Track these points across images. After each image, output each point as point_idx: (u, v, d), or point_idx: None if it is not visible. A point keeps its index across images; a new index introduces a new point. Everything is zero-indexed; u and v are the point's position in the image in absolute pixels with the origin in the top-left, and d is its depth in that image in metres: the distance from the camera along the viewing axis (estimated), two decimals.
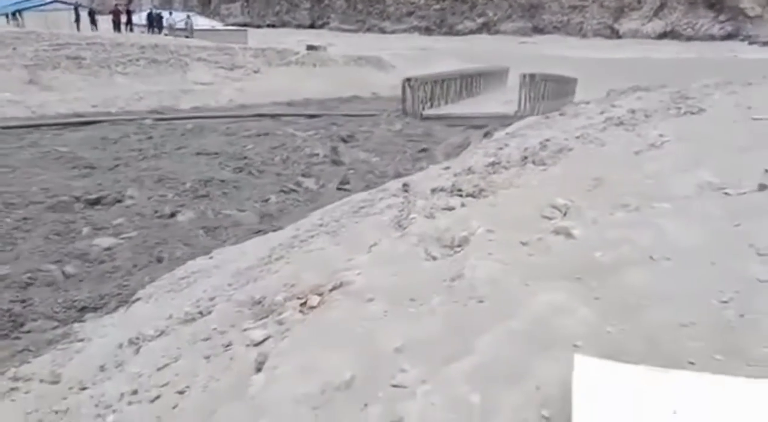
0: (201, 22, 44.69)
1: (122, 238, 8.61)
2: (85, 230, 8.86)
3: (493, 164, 5.54)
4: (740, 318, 2.37)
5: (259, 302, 3.67)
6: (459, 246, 3.40)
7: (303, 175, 12.20)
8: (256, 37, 45.03)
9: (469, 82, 26.87)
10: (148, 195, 10.41)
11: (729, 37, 56.29)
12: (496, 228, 3.54)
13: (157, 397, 3.08)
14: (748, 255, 2.90)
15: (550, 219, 3.72)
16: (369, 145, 15.70)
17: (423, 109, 22.04)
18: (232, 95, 25.09)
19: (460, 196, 4.45)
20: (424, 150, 15.61)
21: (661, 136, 5.30)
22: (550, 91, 23.24)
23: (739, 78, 12.66)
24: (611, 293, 2.60)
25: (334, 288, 3.05)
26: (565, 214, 3.75)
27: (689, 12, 58.24)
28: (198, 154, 13.53)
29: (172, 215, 9.50)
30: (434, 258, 3.33)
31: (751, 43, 53.85)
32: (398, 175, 10.75)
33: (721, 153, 4.63)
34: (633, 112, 7.81)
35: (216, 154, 13.48)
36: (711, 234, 3.13)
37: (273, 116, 20.21)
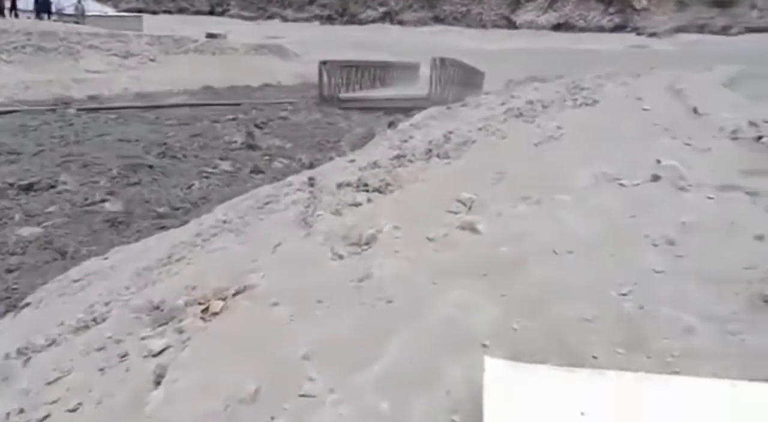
0: (92, 7, 42.29)
1: (44, 227, 8.48)
2: (18, 217, 8.79)
3: (398, 157, 5.53)
4: (639, 310, 2.44)
5: (158, 307, 3.47)
6: (366, 244, 3.34)
7: (221, 159, 12.70)
8: (152, 24, 43.32)
9: (384, 72, 27.24)
10: (80, 181, 10.40)
11: (618, 28, 59.20)
12: (403, 224, 3.51)
13: (46, 416, 2.85)
14: (644, 247, 3.00)
15: (455, 213, 3.73)
16: (284, 131, 15.92)
17: (339, 92, 22.21)
18: (127, 84, 24.11)
19: (367, 191, 4.40)
20: (335, 140, 15.74)
21: (558, 127, 5.45)
22: (459, 78, 23.81)
23: (628, 68, 13.31)
24: (517, 289, 2.62)
25: (237, 293, 2.92)
26: (470, 208, 3.78)
27: (581, 4, 60.79)
28: (120, 140, 13.70)
29: (102, 201, 9.53)
30: (341, 257, 3.26)
31: (638, 35, 56.89)
32: (311, 164, 10.88)
33: (615, 144, 4.81)
34: (531, 103, 8.02)
35: (138, 141, 13.67)
36: (609, 226, 3.22)
37: (193, 105, 19.99)
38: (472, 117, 8.16)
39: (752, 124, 5.32)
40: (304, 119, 18.45)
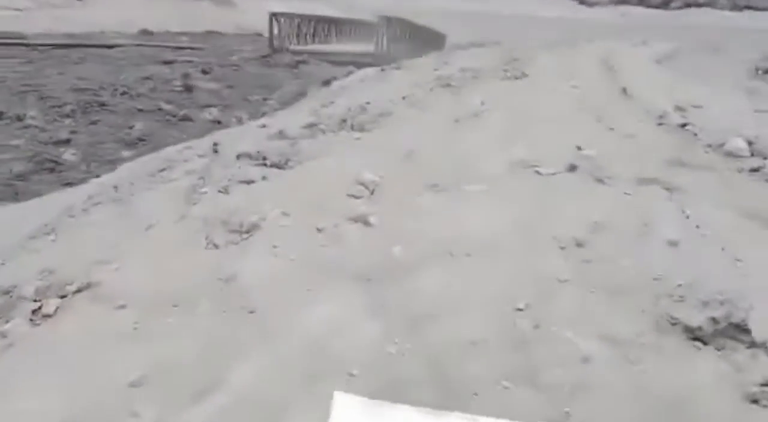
0: None
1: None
2: None
3: (310, 126, 5.11)
4: (534, 330, 2.16)
5: (8, 292, 3.01)
6: (247, 232, 2.94)
7: (167, 102, 12.10)
8: None
9: (340, 28, 26.51)
10: (47, 117, 10.14)
11: None
12: (294, 209, 3.13)
13: None
14: (549, 250, 2.73)
15: (356, 197, 3.37)
16: (230, 79, 15.31)
17: (290, 44, 21.65)
18: (50, 24, 22.51)
19: (264, 165, 3.98)
20: (266, 97, 15.21)
21: (482, 103, 5.13)
22: (408, 37, 23.41)
23: (566, 38, 13.10)
24: (401, 299, 2.29)
25: (80, 290, 2.50)
26: (372, 192, 3.43)
27: None
28: (79, 79, 13.08)
29: (67, 141, 9.14)
30: (216, 247, 2.86)
31: (581, 3, 57.07)
32: (251, 116, 10.57)
33: (537, 125, 4.52)
34: (463, 71, 7.67)
35: (89, 79, 13.05)
36: (515, 224, 2.93)
37: (142, 46, 19.10)
38: (400, 82, 7.75)
39: (679, 108, 5.15)
40: (253, 70, 17.86)
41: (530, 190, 3.32)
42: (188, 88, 13.74)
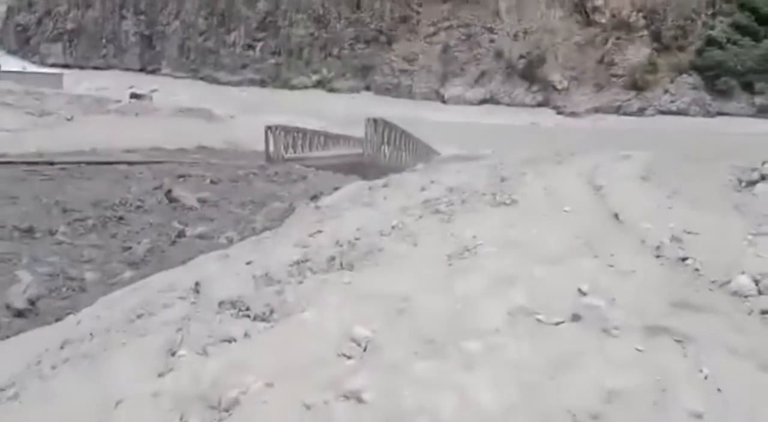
0: (10, 62, 40.78)
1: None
2: (25, 260, 8.53)
3: (298, 263, 4.93)
4: None
5: None
6: (226, 410, 2.67)
7: (178, 223, 12.33)
8: (80, 79, 42.21)
9: (333, 141, 27.40)
10: (77, 231, 10.42)
11: (540, 105, 61.55)
12: (279, 378, 2.87)
13: None
14: None
15: (348, 357, 3.13)
16: (221, 193, 15.48)
17: (286, 153, 22.47)
18: (40, 144, 22.84)
19: (248, 316, 3.75)
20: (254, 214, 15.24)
21: (474, 237, 4.98)
22: (394, 139, 24.17)
23: (549, 148, 13.28)
24: None
25: None
26: (365, 349, 3.19)
27: (506, 81, 63.14)
28: (97, 193, 13.58)
29: (90, 261, 9.18)
30: None
31: (558, 113, 59.27)
32: (242, 236, 10.45)
33: (533, 264, 4.34)
34: (451, 191, 7.63)
35: (106, 193, 13.52)
36: (523, 393, 2.67)
37: (153, 163, 19.53)
38: (389, 206, 7.68)
39: (675, 239, 5.00)
40: (254, 184, 17.95)
41: (534, 348, 3.09)
42: (173, 199, 13.83)
